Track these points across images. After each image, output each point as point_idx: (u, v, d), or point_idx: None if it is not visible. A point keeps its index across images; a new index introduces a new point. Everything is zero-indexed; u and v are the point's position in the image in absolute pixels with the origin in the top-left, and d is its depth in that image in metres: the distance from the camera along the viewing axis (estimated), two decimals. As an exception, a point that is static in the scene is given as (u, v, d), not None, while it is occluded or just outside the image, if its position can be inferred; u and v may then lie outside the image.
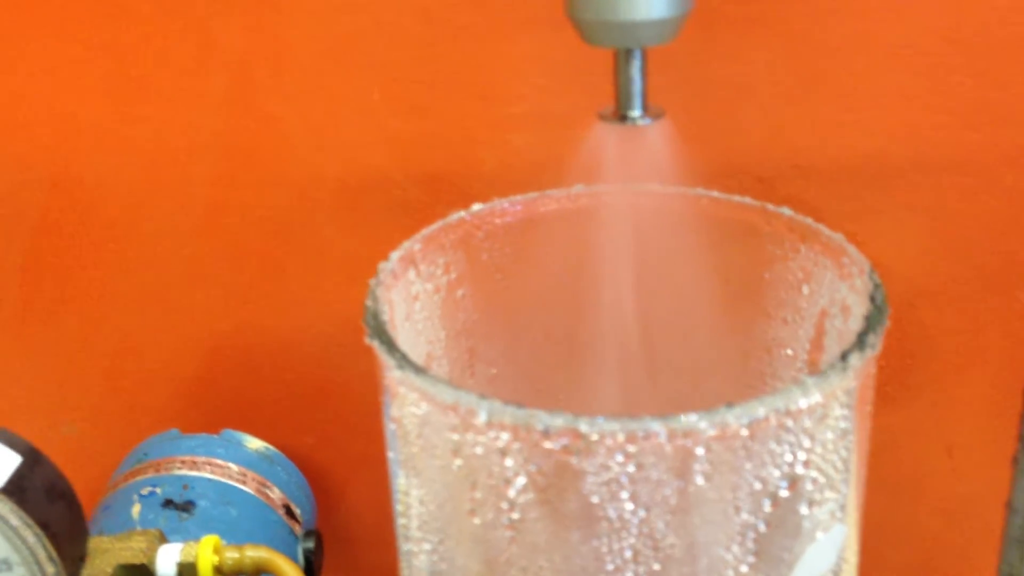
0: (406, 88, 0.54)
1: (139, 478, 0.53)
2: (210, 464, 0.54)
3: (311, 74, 0.54)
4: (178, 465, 0.53)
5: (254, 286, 0.59)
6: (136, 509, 0.50)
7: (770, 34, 0.51)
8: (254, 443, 0.57)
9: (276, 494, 0.55)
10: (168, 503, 0.51)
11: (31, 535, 0.32)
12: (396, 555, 0.66)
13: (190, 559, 0.45)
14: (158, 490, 0.51)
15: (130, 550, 0.44)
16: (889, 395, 0.58)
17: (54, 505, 0.33)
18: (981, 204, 0.54)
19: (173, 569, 0.45)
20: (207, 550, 0.45)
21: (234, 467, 0.54)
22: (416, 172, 0.56)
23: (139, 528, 0.50)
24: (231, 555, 0.45)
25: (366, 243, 0.57)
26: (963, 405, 0.58)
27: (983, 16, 0.50)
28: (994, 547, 0.47)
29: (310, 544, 0.55)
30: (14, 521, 0.31)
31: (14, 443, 0.33)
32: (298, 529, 0.55)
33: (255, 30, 0.54)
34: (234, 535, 0.51)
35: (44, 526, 0.32)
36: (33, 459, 0.33)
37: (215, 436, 0.56)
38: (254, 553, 0.46)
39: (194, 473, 0.53)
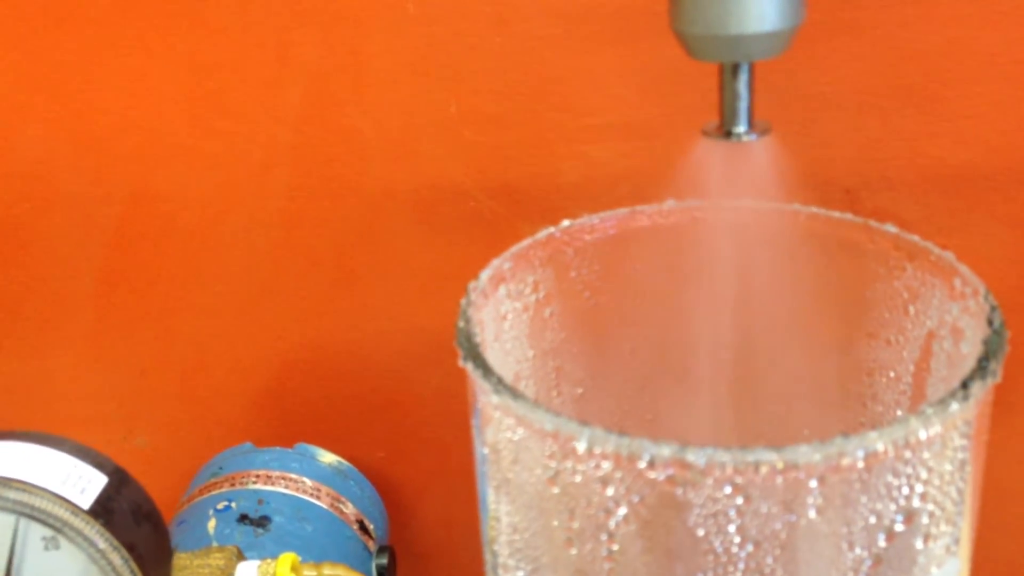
0: (483, 99, 0.54)
1: (214, 492, 0.52)
2: (284, 479, 0.53)
3: (387, 86, 0.54)
4: (253, 479, 0.53)
5: (328, 299, 0.58)
6: (212, 524, 0.50)
7: (860, 42, 0.50)
8: (327, 457, 0.56)
9: (350, 509, 0.54)
10: (243, 518, 0.50)
11: (118, 558, 0.31)
12: (469, 571, 0.65)
13: (268, 577, 0.44)
14: (233, 505, 0.51)
15: (208, 567, 0.44)
16: (981, 415, 0.57)
17: (140, 527, 0.33)
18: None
19: (251, 587, 0.44)
20: (285, 568, 0.44)
21: (308, 482, 0.54)
22: (492, 184, 0.56)
23: (215, 543, 0.49)
24: (309, 574, 0.45)
25: (441, 256, 0.57)
26: (1060, 425, 0.56)
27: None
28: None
29: (383, 560, 0.54)
30: (101, 544, 0.31)
31: (101, 463, 0.33)
32: (371, 544, 0.54)
33: (332, 43, 0.53)
34: (309, 551, 0.50)
35: (130, 548, 0.32)
36: (119, 480, 0.33)
37: (289, 450, 0.56)
38: (332, 572, 0.45)
39: (269, 488, 0.53)
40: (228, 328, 0.59)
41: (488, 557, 0.33)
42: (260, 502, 0.51)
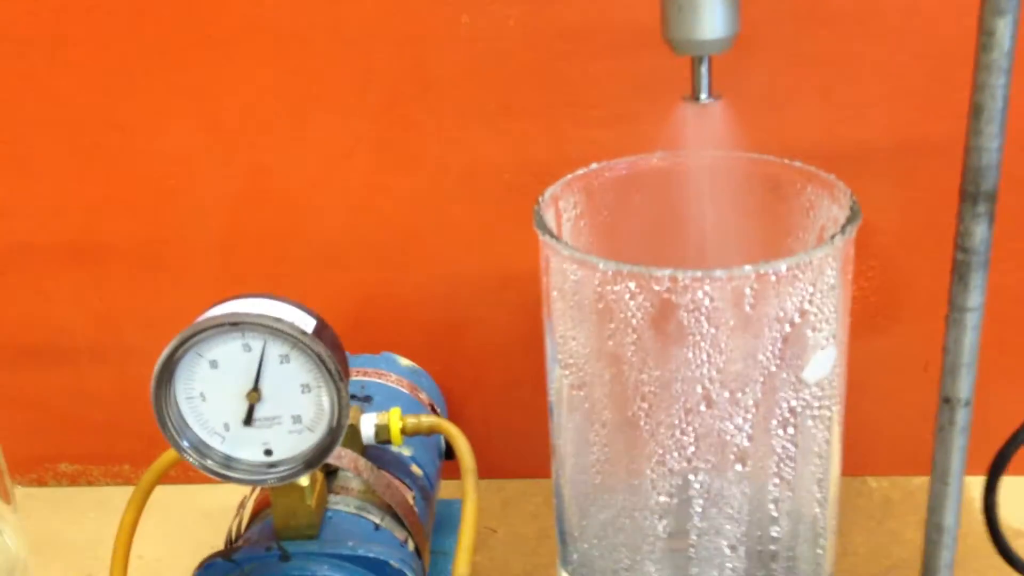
0: (515, 98, 0.73)
1: (326, 383, 0.71)
2: (377, 373, 0.73)
3: (445, 88, 0.73)
4: (354, 374, 0.72)
5: (401, 250, 0.77)
6: (330, 401, 0.69)
7: (775, 52, 0.70)
8: (404, 361, 0.76)
9: (424, 396, 0.73)
10: (353, 397, 0.70)
11: (333, 365, 0.50)
12: (502, 452, 0.84)
13: (384, 422, 0.63)
14: (343, 389, 0.70)
15: (343, 416, 0.63)
16: (878, 325, 0.76)
17: (337, 353, 0.52)
18: (944, 178, 0.72)
19: (372, 430, 0.63)
20: (395, 416, 0.64)
21: (393, 376, 0.73)
22: (520, 161, 0.75)
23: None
24: (412, 420, 0.64)
25: (484, 217, 0.76)
26: (935, 331, 0.75)
27: (947, 37, 0.68)
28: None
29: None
30: (324, 354, 0.50)
31: (311, 312, 0.52)
32: (439, 424, 0.74)
33: (403, 57, 0.72)
34: (400, 421, 0.69)
35: (338, 362, 0.51)
36: (322, 324, 0.52)
37: (377, 355, 0.75)
38: (428, 420, 0.64)
39: (366, 379, 0.72)
40: (321, 272, 0.79)
41: (550, 363, 0.53)
42: (362, 387, 0.71)
